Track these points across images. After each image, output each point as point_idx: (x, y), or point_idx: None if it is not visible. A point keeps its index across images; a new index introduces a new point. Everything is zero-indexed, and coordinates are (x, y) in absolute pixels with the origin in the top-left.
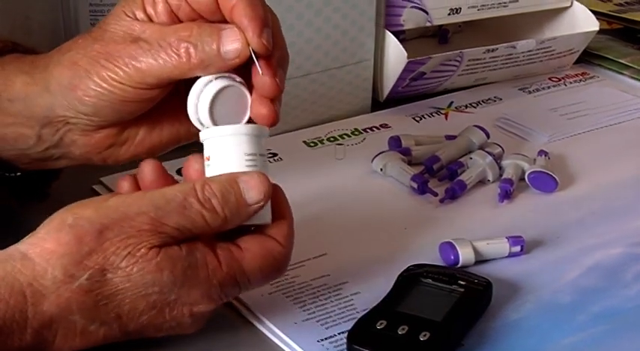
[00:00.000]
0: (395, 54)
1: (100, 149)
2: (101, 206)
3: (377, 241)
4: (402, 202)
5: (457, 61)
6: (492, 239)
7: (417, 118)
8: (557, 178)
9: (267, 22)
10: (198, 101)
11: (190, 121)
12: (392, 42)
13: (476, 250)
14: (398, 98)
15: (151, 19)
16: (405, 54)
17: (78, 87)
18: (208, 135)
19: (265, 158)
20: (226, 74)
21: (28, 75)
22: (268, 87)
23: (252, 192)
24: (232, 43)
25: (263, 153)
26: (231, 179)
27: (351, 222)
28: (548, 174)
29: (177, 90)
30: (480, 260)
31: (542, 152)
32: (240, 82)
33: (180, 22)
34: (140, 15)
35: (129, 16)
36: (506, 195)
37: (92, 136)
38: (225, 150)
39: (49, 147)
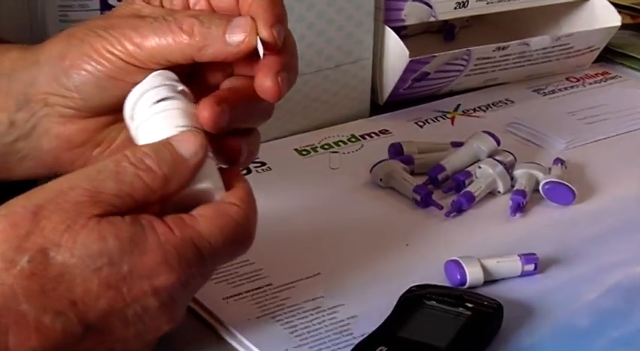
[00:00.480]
0: (395, 52)
1: (72, 145)
2: (34, 191)
3: (376, 260)
4: (404, 216)
5: (464, 59)
6: (503, 257)
7: (420, 123)
8: (574, 190)
9: (282, 20)
10: (134, 112)
11: None
12: (392, 39)
13: (485, 269)
14: (399, 101)
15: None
16: (407, 52)
17: (67, 56)
18: (137, 122)
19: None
20: (168, 81)
21: (19, 51)
22: (268, 89)
23: (186, 145)
24: (240, 30)
25: (197, 126)
26: (163, 141)
27: (348, 238)
28: (564, 185)
29: None
30: (490, 280)
31: (558, 160)
32: (181, 92)
33: None
34: (155, 2)
35: (143, 1)
36: (519, 208)
37: (68, 126)
38: (156, 127)
39: (19, 138)
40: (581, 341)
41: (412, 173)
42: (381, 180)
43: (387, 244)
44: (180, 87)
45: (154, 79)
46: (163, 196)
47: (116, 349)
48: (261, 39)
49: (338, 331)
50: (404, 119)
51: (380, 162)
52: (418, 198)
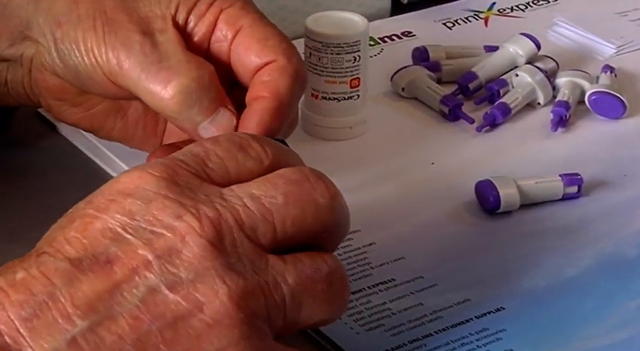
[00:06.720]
0: None
1: (50, 99)
2: None
3: (396, 180)
4: (429, 131)
5: None
6: (542, 177)
7: (449, 24)
8: (625, 101)
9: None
10: None
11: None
12: None
13: (521, 191)
14: None
15: (186, 24)
16: None
17: (61, 26)
18: None
19: None
20: None
21: None
22: None
23: None
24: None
25: None
26: None
27: (364, 156)
28: (614, 95)
29: None
30: (527, 203)
31: (607, 67)
32: None
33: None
34: (181, 14)
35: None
36: (561, 122)
37: (49, 81)
38: None
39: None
40: (631, 273)
41: (439, 82)
42: (403, 89)
43: (410, 163)
44: None
45: None
46: None
47: None
48: None
49: (353, 260)
50: (430, 19)
51: (402, 68)
52: (446, 110)
